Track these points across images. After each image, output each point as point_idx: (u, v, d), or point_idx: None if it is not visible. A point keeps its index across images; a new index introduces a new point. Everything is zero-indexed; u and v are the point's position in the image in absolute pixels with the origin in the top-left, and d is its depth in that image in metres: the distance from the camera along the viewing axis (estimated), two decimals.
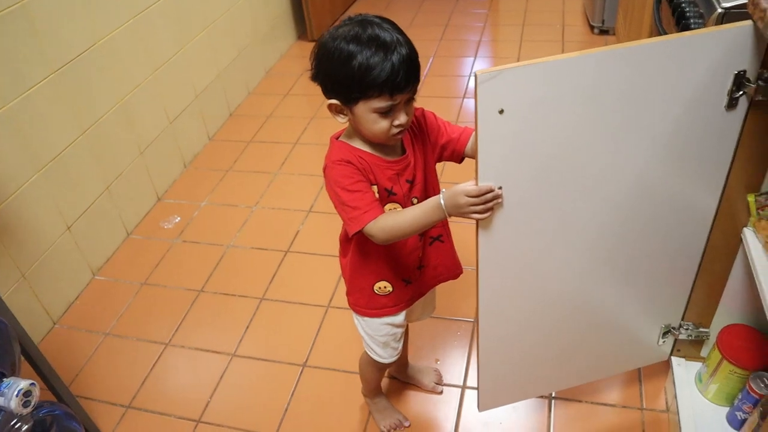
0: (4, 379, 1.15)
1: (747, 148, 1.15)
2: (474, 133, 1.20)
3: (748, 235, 1.26)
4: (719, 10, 1.21)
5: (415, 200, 1.22)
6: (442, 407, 1.70)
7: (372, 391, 1.66)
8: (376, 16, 1.10)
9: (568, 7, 4.03)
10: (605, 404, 1.66)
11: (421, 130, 1.24)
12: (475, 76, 0.90)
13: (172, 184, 2.72)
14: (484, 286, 1.19)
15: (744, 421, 1.38)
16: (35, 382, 1.17)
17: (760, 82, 1.04)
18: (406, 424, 1.66)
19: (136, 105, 2.45)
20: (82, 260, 2.21)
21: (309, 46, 3.80)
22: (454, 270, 1.40)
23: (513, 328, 1.30)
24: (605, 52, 0.95)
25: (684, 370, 1.57)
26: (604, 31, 3.58)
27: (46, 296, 2.05)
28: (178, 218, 2.52)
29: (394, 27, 1.08)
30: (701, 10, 1.33)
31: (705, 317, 1.48)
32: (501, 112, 0.94)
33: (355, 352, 1.62)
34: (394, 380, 1.77)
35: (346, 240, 1.30)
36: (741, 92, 1.06)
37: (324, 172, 1.18)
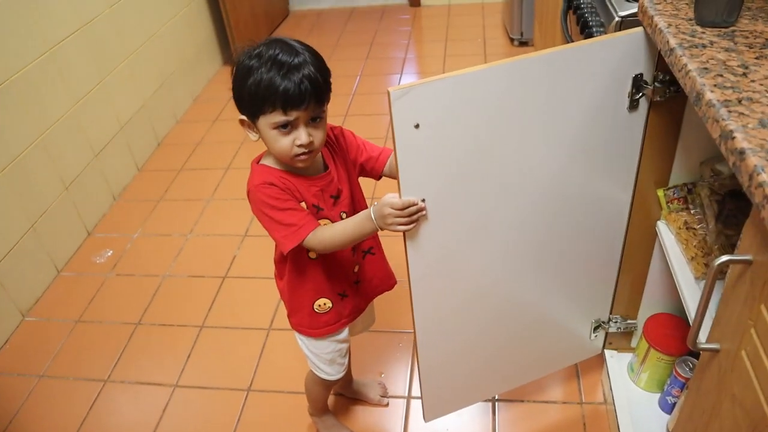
0: None
1: (652, 146, 1.22)
2: (393, 154, 1.26)
3: (662, 228, 1.33)
4: (617, 19, 1.29)
5: (343, 215, 1.24)
6: (389, 419, 1.72)
7: (319, 409, 1.65)
8: (292, 39, 1.12)
9: (488, 21, 4.16)
10: (547, 402, 1.70)
11: (340, 147, 1.26)
12: (388, 93, 0.92)
13: (101, 217, 2.66)
14: (417, 297, 1.21)
15: (674, 404, 1.45)
16: None
17: (656, 84, 1.11)
18: None
19: (57, 139, 2.39)
20: (10, 302, 2.13)
21: None
22: (387, 281, 1.43)
23: (450, 336, 1.33)
24: (510, 64, 1.00)
25: (616, 362, 1.63)
26: (523, 43, 3.71)
27: None
28: (111, 252, 2.46)
29: (306, 48, 1.11)
30: (602, 19, 1.41)
31: (631, 309, 1.55)
32: (417, 126, 0.97)
33: (299, 373, 1.62)
34: (339, 396, 1.78)
35: (281, 261, 1.31)
36: (640, 94, 1.13)
37: (248, 197, 1.18)
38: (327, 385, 1.54)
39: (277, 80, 1.05)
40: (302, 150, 1.11)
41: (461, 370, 1.43)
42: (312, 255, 1.24)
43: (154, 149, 3.12)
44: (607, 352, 1.65)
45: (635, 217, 1.35)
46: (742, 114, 0.76)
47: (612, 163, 1.23)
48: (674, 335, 1.47)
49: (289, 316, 1.39)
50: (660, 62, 1.09)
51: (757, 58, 0.89)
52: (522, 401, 1.71)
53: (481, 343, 1.40)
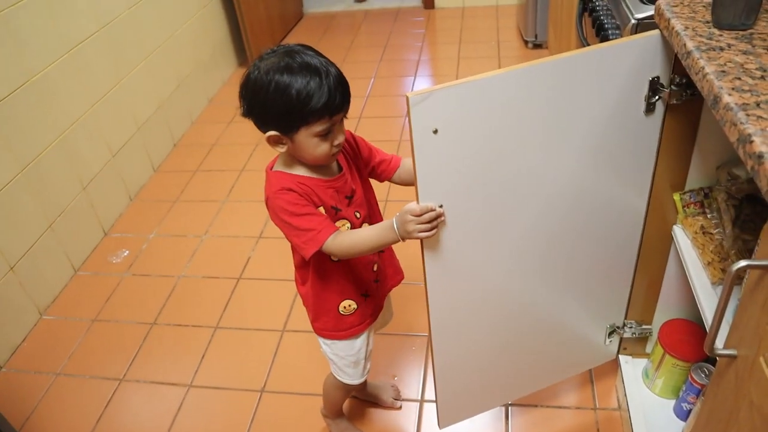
0: None
1: (668, 149, 1.22)
2: (402, 162, 1.29)
3: (678, 232, 1.32)
4: (633, 21, 1.28)
5: (357, 214, 1.25)
6: (402, 422, 1.72)
7: (335, 412, 1.66)
8: (297, 44, 1.12)
9: (502, 23, 4.15)
10: (560, 407, 1.70)
11: (353, 148, 1.27)
12: (407, 98, 0.92)
13: (118, 217, 2.68)
14: (434, 303, 1.21)
15: (689, 411, 1.43)
16: None
17: (673, 87, 1.10)
18: None
19: (76, 140, 2.41)
20: (28, 301, 2.16)
21: None
22: (396, 276, 1.44)
23: (466, 342, 1.33)
24: (528, 68, 1.00)
25: (631, 368, 1.62)
26: (537, 45, 3.70)
27: None
28: (127, 252, 2.48)
29: (316, 52, 1.11)
30: (617, 22, 1.40)
31: (646, 314, 1.54)
32: (435, 131, 0.97)
33: (313, 374, 1.63)
34: (353, 399, 1.78)
35: (303, 266, 1.31)
36: (657, 97, 1.12)
37: (266, 204, 1.19)
38: (347, 389, 1.54)
39: (323, 90, 1.05)
40: (338, 149, 1.14)
41: (476, 375, 1.43)
42: (334, 258, 1.25)
43: (170, 150, 3.15)
44: (621, 357, 1.64)
45: (651, 221, 1.34)
46: (761, 117, 0.75)
47: (628, 167, 1.23)
48: (690, 341, 1.46)
49: (313, 321, 1.39)
50: (676, 65, 1.08)
51: None
52: (535, 406, 1.70)
53: (496, 347, 1.39)
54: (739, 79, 0.84)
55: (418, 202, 1.05)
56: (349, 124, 1.18)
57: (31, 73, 2.18)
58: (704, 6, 1.06)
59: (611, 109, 1.11)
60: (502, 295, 1.29)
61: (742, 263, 0.78)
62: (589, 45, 1.61)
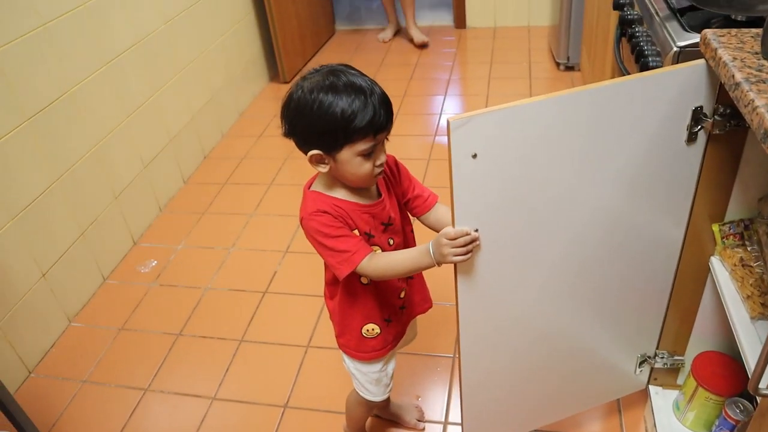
0: None
1: (708, 180, 1.20)
2: (436, 205, 1.28)
3: (716, 263, 1.30)
4: (675, 49, 1.27)
5: (391, 241, 1.24)
6: None
7: (358, 430, 1.65)
8: (340, 64, 1.13)
9: (534, 44, 4.14)
10: None
11: (394, 175, 1.27)
12: (448, 123, 0.92)
13: (147, 227, 2.71)
14: (464, 326, 1.20)
15: None
16: None
17: (716, 117, 1.09)
18: None
19: (110, 150, 2.45)
20: (58, 307, 2.19)
21: (281, 88, 3.86)
22: (423, 304, 1.43)
23: (494, 366, 1.32)
24: (570, 95, 0.99)
25: (661, 399, 1.59)
26: (569, 68, 3.68)
27: (21, 345, 2.01)
28: (155, 262, 2.50)
29: (359, 72, 1.12)
30: (658, 48, 1.39)
31: (679, 345, 1.51)
32: (474, 156, 0.97)
33: (336, 392, 1.62)
34: (376, 418, 1.77)
35: (332, 283, 1.31)
36: (699, 127, 1.11)
37: (301, 224, 1.19)
38: (369, 406, 1.53)
39: (368, 108, 1.06)
40: (381, 169, 1.14)
41: (504, 402, 1.41)
42: (364, 280, 1.25)
43: (200, 162, 3.18)
44: (651, 387, 1.61)
45: (688, 252, 1.32)
46: None
47: (667, 196, 1.21)
48: (724, 374, 1.43)
49: (338, 336, 1.39)
50: (721, 95, 1.07)
51: None
52: None
53: (525, 372, 1.38)
54: None
55: (453, 226, 1.04)
56: None
57: (69, 85, 2.22)
58: (752, 37, 1.04)
59: (651, 138, 1.10)
60: (533, 320, 1.28)
61: None
62: (627, 71, 1.60)
